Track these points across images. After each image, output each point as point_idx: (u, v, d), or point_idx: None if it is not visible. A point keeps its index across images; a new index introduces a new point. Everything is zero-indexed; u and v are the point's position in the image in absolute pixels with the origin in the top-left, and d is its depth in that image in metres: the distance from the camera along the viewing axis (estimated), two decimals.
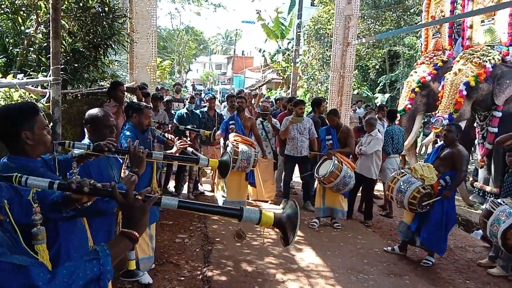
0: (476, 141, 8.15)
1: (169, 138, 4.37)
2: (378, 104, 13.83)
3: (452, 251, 5.43)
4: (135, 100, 6.35)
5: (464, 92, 7.16)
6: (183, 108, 8.04)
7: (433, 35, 8.81)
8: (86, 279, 1.22)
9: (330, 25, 15.62)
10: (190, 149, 4.25)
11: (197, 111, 7.39)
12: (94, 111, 2.78)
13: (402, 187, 4.86)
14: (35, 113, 1.90)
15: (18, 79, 3.95)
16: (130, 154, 2.48)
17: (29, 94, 4.09)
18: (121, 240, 1.40)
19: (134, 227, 1.42)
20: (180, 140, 4.00)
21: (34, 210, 1.50)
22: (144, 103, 4.94)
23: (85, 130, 2.83)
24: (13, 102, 3.61)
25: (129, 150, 2.47)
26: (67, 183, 1.49)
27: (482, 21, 7.59)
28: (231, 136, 6.22)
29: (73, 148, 2.41)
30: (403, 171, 5.16)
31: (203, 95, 16.25)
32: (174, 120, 6.90)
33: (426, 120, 10.15)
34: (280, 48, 24.08)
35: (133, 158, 2.47)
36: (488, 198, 7.43)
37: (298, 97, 14.24)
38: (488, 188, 7.46)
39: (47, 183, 1.48)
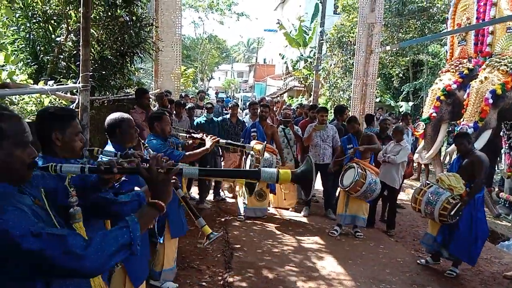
0: (502, 151, 7.98)
1: (197, 137, 4.31)
2: (402, 112, 13.67)
3: (477, 263, 5.30)
4: (157, 107, 6.47)
5: (490, 101, 7.03)
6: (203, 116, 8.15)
7: (458, 43, 8.69)
8: (117, 245, 1.36)
9: (353, 33, 15.57)
10: (223, 140, 4.29)
11: (218, 119, 7.45)
12: (117, 115, 2.84)
13: (431, 198, 4.76)
14: (71, 118, 2.00)
15: (49, 85, 4.08)
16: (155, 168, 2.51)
17: (59, 100, 4.23)
18: (148, 210, 1.55)
19: (159, 197, 1.56)
20: (210, 136, 4.04)
21: (71, 194, 1.68)
22: (162, 110, 5.03)
23: (109, 136, 2.86)
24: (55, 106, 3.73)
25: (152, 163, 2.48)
26: (97, 166, 1.63)
27: (509, 28, 7.45)
28: (253, 144, 6.26)
29: (101, 155, 2.49)
30: (428, 182, 5.07)
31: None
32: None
33: (450, 129, 9.98)
34: (302, 55, 24.09)
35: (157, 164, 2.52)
36: None
37: (320, 105, 14.21)
38: None
39: (78, 167, 1.61)
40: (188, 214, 3.94)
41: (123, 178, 2.23)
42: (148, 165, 1.61)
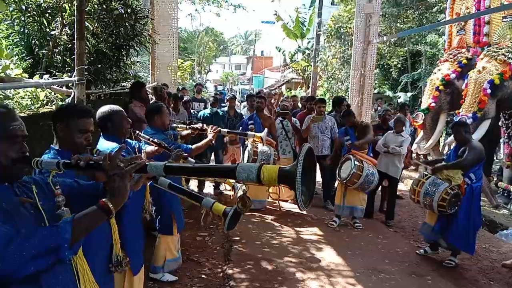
0: (501, 140, 7.97)
1: (197, 127, 4.33)
2: (400, 103, 13.64)
3: (476, 252, 5.30)
4: (154, 100, 6.43)
5: (488, 91, 7.00)
6: (204, 108, 8.12)
7: (457, 32, 8.63)
8: (42, 247, 1.20)
9: (350, 23, 15.50)
10: (224, 130, 4.29)
11: (219, 111, 7.45)
12: (107, 108, 2.81)
13: (430, 190, 4.77)
14: (79, 114, 2.08)
15: (44, 79, 4.05)
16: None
17: (55, 94, 4.20)
18: (92, 210, 1.35)
19: (112, 195, 1.39)
20: (211, 126, 4.05)
21: (56, 192, 1.53)
22: (161, 102, 5.01)
23: (101, 130, 2.83)
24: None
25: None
26: (70, 161, 1.51)
27: (504, 17, 7.40)
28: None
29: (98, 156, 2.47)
30: (427, 173, 5.06)
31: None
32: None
33: (449, 119, 9.95)
34: (299, 47, 24.00)
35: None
36: None
37: (318, 96, 14.20)
38: None
39: (55, 163, 1.53)
40: (188, 207, 3.97)
41: None
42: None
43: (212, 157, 7.40)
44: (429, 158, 9.24)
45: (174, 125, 4.50)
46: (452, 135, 8.41)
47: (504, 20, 7.45)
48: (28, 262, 1.17)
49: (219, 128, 4.14)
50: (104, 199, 1.37)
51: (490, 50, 7.43)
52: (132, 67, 7.57)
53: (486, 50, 7.55)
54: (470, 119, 7.07)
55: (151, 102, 5.34)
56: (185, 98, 7.75)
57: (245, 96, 11.01)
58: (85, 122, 2.09)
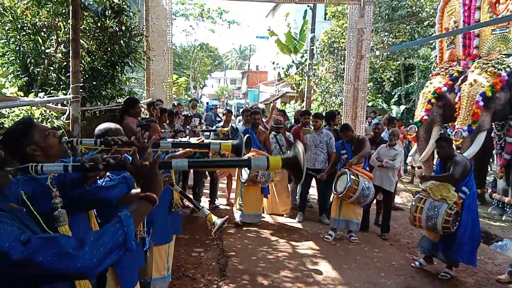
0: (494, 152, 8.04)
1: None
2: (389, 117, 13.74)
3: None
4: (147, 116, 6.47)
5: (481, 103, 7.09)
6: (199, 123, 8.16)
7: (447, 46, 8.78)
8: (112, 242, 1.31)
9: (343, 38, 15.68)
10: (207, 140, 4.32)
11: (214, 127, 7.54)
12: (112, 124, 2.77)
13: (430, 214, 4.71)
14: (29, 125, 1.93)
15: (40, 97, 4.07)
16: (137, 146, 2.29)
17: (50, 111, 4.22)
18: (140, 203, 1.50)
19: (149, 189, 1.53)
20: (194, 137, 4.09)
21: (54, 194, 1.61)
22: (151, 118, 5.05)
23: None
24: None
25: (134, 143, 2.32)
26: (81, 164, 1.58)
27: (493, 30, 7.55)
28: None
29: (81, 145, 2.45)
30: (421, 196, 4.97)
31: (220, 110, 16.46)
32: None
33: (442, 131, 10.03)
34: (293, 62, 24.19)
35: (140, 150, 2.27)
36: (507, 209, 7.30)
37: (312, 110, 14.31)
38: (507, 199, 7.33)
39: (61, 166, 1.56)
40: (183, 223, 3.99)
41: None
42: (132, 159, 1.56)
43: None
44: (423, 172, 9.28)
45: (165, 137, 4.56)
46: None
47: (493, 32, 7.60)
48: (104, 257, 1.29)
49: (189, 150, 4.06)
50: (145, 193, 1.51)
51: (480, 62, 7.55)
52: (127, 84, 7.61)
53: (477, 62, 7.67)
54: (466, 132, 7.15)
55: (141, 118, 5.37)
56: (185, 113, 7.87)
57: (241, 110, 11.09)
58: (38, 124, 2.00)
